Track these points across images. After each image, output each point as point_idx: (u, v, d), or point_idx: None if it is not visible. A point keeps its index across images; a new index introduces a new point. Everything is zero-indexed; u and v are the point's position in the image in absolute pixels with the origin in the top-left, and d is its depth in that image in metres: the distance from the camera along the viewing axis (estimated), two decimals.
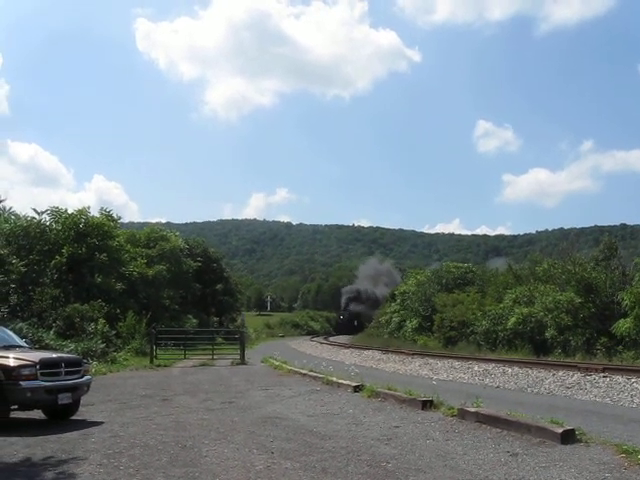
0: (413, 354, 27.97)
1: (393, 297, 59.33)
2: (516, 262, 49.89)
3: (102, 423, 9.07)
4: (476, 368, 19.89)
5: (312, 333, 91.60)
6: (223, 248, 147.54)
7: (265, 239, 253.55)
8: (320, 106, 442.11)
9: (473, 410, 8.46)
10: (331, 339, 63.92)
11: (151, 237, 44.28)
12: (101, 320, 25.04)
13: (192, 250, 51.81)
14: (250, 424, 8.78)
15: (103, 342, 23.15)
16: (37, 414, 9.81)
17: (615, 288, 25.95)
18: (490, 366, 19.86)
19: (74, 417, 9.68)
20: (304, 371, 17.09)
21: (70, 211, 30.70)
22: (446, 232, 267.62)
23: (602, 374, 15.22)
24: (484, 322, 32.68)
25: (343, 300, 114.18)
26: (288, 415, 9.63)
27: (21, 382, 8.56)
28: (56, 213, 30.19)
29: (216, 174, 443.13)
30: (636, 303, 22.52)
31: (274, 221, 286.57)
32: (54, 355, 10.09)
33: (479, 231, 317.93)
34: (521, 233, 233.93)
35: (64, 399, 9.16)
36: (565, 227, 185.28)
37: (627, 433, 7.79)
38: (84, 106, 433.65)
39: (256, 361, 24.37)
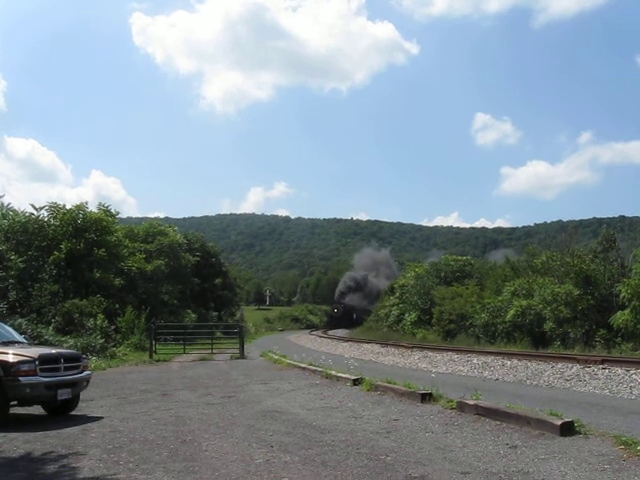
0: (412, 347, 27.98)
1: (392, 290, 59.36)
2: (517, 254, 49.75)
3: (102, 418, 9.08)
4: (475, 361, 19.92)
5: (311, 327, 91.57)
6: (221, 243, 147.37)
7: (264, 233, 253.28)
8: (318, 99, 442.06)
9: (472, 403, 8.48)
10: (329, 333, 63.90)
11: (149, 232, 44.26)
12: (100, 315, 25.04)
13: (191, 245, 51.79)
14: (249, 418, 8.79)
15: (102, 337, 23.16)
16: (37, 410, 9.81)
17: (614, 280, 25.94)
18: (489, 359, 19.88)
19: (74, 412, 9.69)
20: (303, 365, 17.12)
21: (68, 207, 30.72)
22: (445, 225, 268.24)
23: (601, 366, 15.23)
24: (483, 315, 32.69)
25: (337, 292, 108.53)
26: (287, 409, 9.64)
27: (20, 378, 8.56)
28: (54, 209, 30.16)
29: (214, 168, 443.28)
30: (634, 295, 22.53)
31: (272, 215, 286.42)
32: (53, 351, 10.08)
33: (478, 224, 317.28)
34: (520, 226, 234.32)
35: (63, 394, 9.16)
36: (564, 219, 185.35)
37: (626, 425, 7.81)
38: (81, 102, 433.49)
39: (255, 355, 24.43)
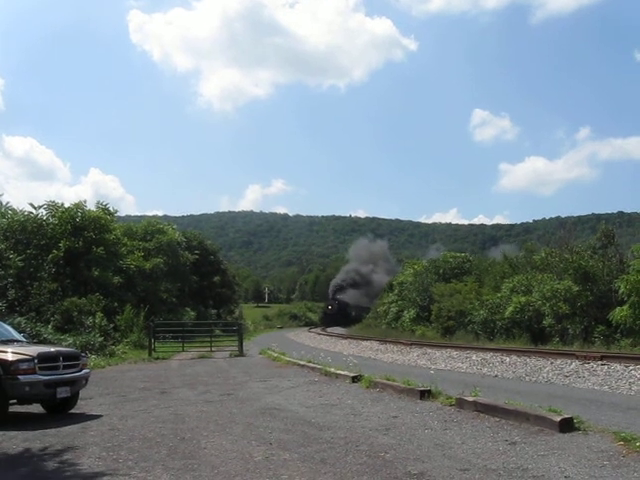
0: (411, 344, 28.00)
1: (391, 287, 59.37)
2: (518, 250, 49.67)
3: (101, 416, 9.07)
4: (474, 357, 19.94)
5: (310, 324, 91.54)
6: (220, 240, 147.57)
7: (262, 231, 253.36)
8: (316, 96, 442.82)
9: (471, 399, 8.47)
10: (328, 330, 63.83)
11: (148, 230, 44.20)
12: (99, 314, 25.04)
13: (189, 243, 51.77)
14: (249, 416, 8.78)
15: (101, 336, 23.17)
16: (36, 408, 9.80)
17: (613, 276, 25.95)
18: (488, 355, 19.90)
19: (73, 411, 9.68)
20: (302, 362, 17.11)
21: (67, 205, 30.73)
22: (443, 222, 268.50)
23: (600, 362, 15.25)
24: (482, 311, 32.71)
25: (330, 287, 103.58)
26: (286, 406, 9.64)
27: (19, 376, 8.55)
28: (53, 207, 30.14)
29: (212, 166, 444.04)
30: (632, 291, 22.54)
31: (271, 213, 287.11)
32: (52, 349, 10.07)
33: (476, 220, 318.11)
34: (518, 222, 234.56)
35: (63, 393, 9.16)
36: (562, 215, 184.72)
37: (625, 421, 7.81)
38: (79, 100, 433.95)
39: (254, 353, 24.42)
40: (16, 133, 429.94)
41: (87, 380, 10.10)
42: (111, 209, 33.98)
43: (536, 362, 16.89)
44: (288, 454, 6.23)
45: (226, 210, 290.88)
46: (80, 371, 9.73)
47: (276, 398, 10.63)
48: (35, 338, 18.52)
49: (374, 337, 37.58)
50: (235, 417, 8.70)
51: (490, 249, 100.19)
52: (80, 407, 9.92)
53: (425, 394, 9.64)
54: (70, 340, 20.47)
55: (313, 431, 7.47)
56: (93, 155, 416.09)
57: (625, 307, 22.61)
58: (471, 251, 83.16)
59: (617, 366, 14.41)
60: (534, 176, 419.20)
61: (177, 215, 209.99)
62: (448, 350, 23.40)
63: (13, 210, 29.10)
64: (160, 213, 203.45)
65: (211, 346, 25.16)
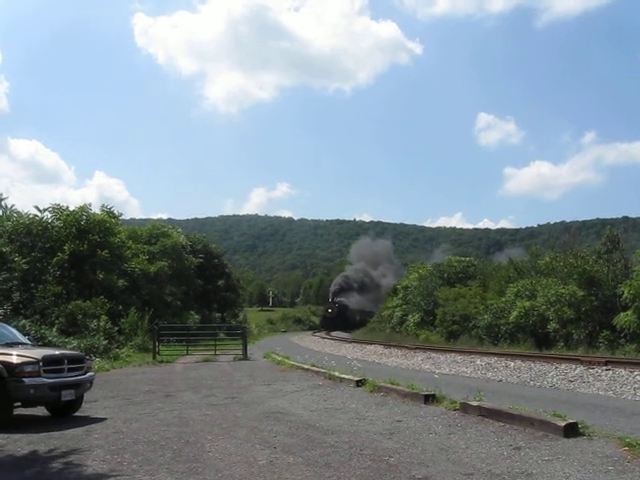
0: (415, 348, 27.98)
1: (395, 291, 59.33)
2: (524, 255, 49.54)
3: (105, 419, 9.09)
4: (478, 362, 19.90)
5: (314, 328, 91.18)
6: (224, 244, 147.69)
7: (266, 234, 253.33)
8: (321, 100, 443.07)
9: (475, 404, 8.46)
10: (333, 334, 63.74)
11: (153, 233, 44.35)
12: (103, 317, 25.08)
13: (194, 246, 51.90)
14: (253, 419, 8.79)
15: (106, 339, 23.20)
16: (40, 411, 9.82)
17: (617, 281, 25.89)
18: (492, 360, 19.87)
19: (77, 414, 9.70)
20: (306, 366, 17.09)
21: (71, 208, 30.80)
22: (448, 226, 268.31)
23: (605, 367, 15.22)
24: (486, 316, 32.66)
25: (331, 290, 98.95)
26: (291, 410, 9.64)
27: (24, 379, 8.56)
28: (57, 210, 30.21)
29: (217, 169, 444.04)
30: (636, 296, 22.49)
31: (275, 216, 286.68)
32: (57, 352, 10.11)
33: (482, 224, 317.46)
34: (523, 227, 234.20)
35: (67, 396, 9.17)
36: (567, 220, 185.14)
37: (630, 426, 7.80)
38: (84, 102, 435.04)
39: (258, 356, 24.42)
40: (21, 136, 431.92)
41: (92, 383, 10.12)
42: (116, 212, 34.06)
43: (540, 367, 16.86)
44: (292, 458, 6.23)
45: (231, 213, 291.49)
46: (85, 374, 9.75)
47: (280, 402, 10.63)
48: (40, 341, 18.55)
49: (378, 341, 37.54)
50: (239, 421, 8.70)
51: (495, 254, 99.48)
52: (84, 410, 9.94)
53: (429, 398, 9.63)
54: (75, 343, 20.51)
55: (317, 435, 7.47)
56: (98, 158, 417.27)
57: (629, 312, 22.56)
58: (475, 255, 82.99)
59: (622, 371, 14.37)
60: (539, 180, 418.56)
61: (182, 218, 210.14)
62: (452, 354, 23.38)
63: (18, 213, 29.19)
64: (165, 216, 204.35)
65: (215, 349, 25.16)
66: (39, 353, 9.20)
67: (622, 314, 22.99)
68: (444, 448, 6.52)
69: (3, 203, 29.18)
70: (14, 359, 8.71)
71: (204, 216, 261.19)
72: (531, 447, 6.35)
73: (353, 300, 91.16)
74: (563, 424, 6.78)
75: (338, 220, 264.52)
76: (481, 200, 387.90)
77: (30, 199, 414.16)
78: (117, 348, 23.56)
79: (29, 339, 11.96)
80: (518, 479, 5.23)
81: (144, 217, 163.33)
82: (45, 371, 8.85)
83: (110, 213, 33.40)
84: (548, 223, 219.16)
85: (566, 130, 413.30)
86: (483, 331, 32.58)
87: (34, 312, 24.18)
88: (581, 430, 6.82)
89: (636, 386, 12.51)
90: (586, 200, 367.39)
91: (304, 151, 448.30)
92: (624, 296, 23.15)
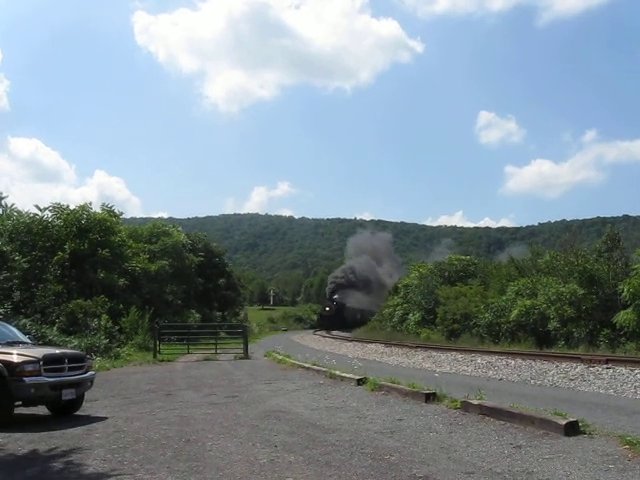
0: (416, 347, 27.99)
1: (396, 290, 59.31)
2: (527, 253, 49.52)
3: (106, 418, 9.08)
4: (479, 360, 19.90)
5: (315, 327, 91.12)
6: (225, 243, 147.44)
7: (267, 233, 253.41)
8: (322, 98, 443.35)
9: (476, 402, 8.46)
10: (334, 333, 63.71)
11: (153, 232, 44.35)
12: (104, 316, 25.09)
13: (194, 245, 51.90)
14: (254, 418, 8.78)
15: (106, 338, 23.21)
16: (41, 410, 9.82)
17: (618, 279, 25.90)
18: (493, 358, 19.87)
19: (78, 413, 9.69)
20: (307, 365, 17.10)
21: (72, 207, 30.81)
22: (449, 225, 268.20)
23: (605, 366, 15.21)
24: (487, 314, 32.68)
25: (328, 287, 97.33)
26: (291, 409, 9.63)
27: (25, 378, 8.55)
28: (58, 209, 30.22)
29: (218, 168, 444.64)
30: (635, 294, 22.50)
31: (276, 215, 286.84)
32: (57, 351, 10.10)
33: (482, 223, 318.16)
34: (524, 225, 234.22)
35: (68, 395, 9.17)
36: (568, 219, 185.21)
37: (631, 424, 7.79)
38: (85, 101, 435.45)
39: (259, 355, 24.44)
40: (21, 134, 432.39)
41: (92, 382, 10.11)
42: (116, 211, 34.10)
43: (541, 365, 16.86)
44: (293, 456, 6.23)
45: (231, 212, 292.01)
46: (85, 373, 9.74)
47: (281, 401, 10.62)
48: (40, 340, 18.53)
49: (379, 340, 37.55)
50: (240, 419, 8.70)
51: (496, 252, 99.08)
52: (85, 409, 9.93)
53: (430, 397, 9.63)
54: (75, 342, 20.53)
55: (318, 434, 7.46)
56: (98, 157, 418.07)
57: (629, 310, 22.57)
58: (476, 254, 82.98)
59: (622, 370, 14.37)
60: (540, 179, 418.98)
61: (182, 217, 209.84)
62: (453, 353, 23.39)
63: (18, 212, 29.20)
64: (165, 215, 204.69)
65: (216, 348, 25.15)
66: (40, 352, 9.19)
67: (622, 312, 23.01)
68: (445, 447, 6.52)
69: (3, 202, 29.21)
70: (15, 358, 8.70)
71: (205, 215, 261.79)
72: (532, 445, 6.35)
73: (353, 299, 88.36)
74: (564, 422, 6.78)
75: (339, 219, 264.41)
76: (482, 199, 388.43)
77: (30, 198, 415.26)
78: (118, 347, 23.56)
79: (30, 338, 11.96)
80: (519, 477, 5.22)
81: (145, 216, 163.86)
82: (46, 370, 8.84)
83: (111, 212, 33.43)
84: (549, 222, 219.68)
85: (567, 128, 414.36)
86: (484, 330, 32.60)
87: (35, 311, 24.19)
88: (582, 428, 6.82)
89: (637, 384, 12.50)
90: (587, 198, 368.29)
91: (305, 150, 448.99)
92: (624, 294, 23.16)
